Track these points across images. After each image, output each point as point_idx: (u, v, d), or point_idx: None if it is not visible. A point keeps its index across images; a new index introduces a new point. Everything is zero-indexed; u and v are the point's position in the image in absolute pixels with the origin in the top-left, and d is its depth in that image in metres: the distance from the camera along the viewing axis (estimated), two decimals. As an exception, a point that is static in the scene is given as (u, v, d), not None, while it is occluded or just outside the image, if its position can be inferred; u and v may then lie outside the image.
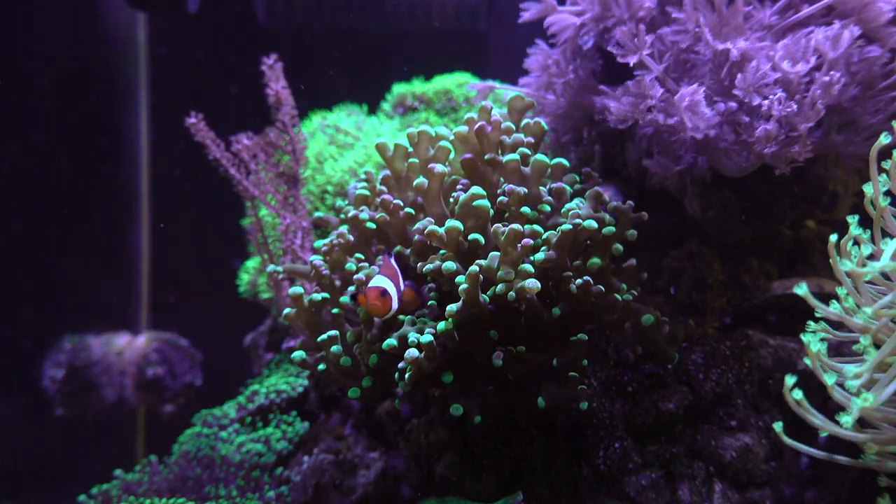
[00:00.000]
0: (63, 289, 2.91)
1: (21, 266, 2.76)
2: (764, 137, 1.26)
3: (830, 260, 1.08)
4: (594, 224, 1.21)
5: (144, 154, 3.31)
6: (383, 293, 1.22)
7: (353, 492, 1.61)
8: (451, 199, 1.39)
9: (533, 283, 1.12)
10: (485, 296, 1.21)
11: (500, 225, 1.18)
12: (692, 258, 1.69)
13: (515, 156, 1.32)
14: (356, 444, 1.68)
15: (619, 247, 1.27)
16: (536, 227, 1.21)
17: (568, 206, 1.29)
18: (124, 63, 3.21)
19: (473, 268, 1.15)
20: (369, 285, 1.23)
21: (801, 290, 1.05)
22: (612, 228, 1.25)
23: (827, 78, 1.20)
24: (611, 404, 1.43)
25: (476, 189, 1.24)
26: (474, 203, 1.23)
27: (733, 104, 1.31)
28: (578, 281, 1.20)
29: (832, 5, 1.29)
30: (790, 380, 1.04)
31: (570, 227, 1.18)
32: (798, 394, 1.04)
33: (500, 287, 1.16)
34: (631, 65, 1.38)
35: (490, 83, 1.75)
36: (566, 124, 1.76)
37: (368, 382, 1.29)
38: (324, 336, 1.32)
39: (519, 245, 1.15)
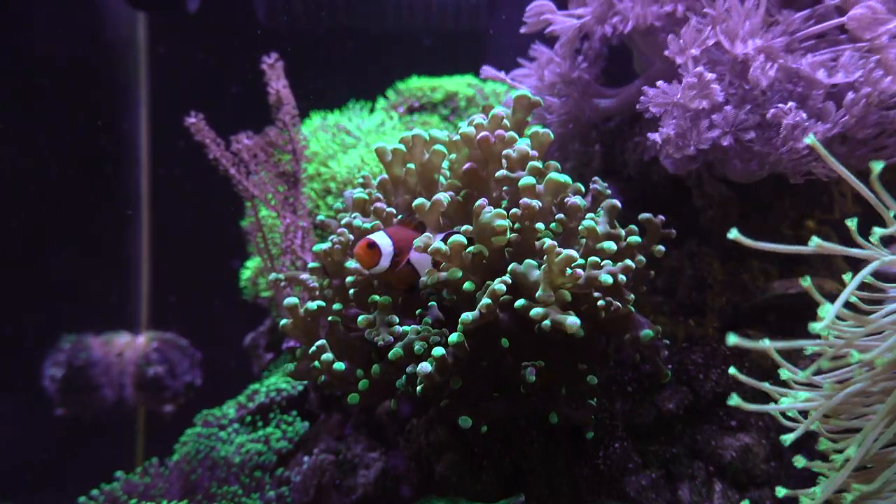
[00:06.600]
0: (63, 289, 2.91)
1: (21, 266, 2.76)
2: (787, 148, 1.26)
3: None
4: (634, 264, 1.21)
5: (144, 154, 3.31)
6: (371, 245, 1.18)
7: (353, 492, 1.61)
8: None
9: (574, 322, 1.08)
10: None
11: (554, 242, 1.12)
12: (692, 258, 1.68)
13: (531, 179, 1.24)
14: (356, 444, 1.68)
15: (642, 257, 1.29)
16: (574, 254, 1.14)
17: (585, 224, 1.23)
18: (124, 63, 3.21)
19: (500, 286, 1.12)
20: (367, 236, 1.20)
21: (806, 281, 1.05)
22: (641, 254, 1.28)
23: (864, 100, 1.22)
24: (611, 404, 1.43)
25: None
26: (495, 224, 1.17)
27: (747, 113, 1.30)
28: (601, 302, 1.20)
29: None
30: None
31: (634, 265, 1.19)
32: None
33: (535, 311, 1.10)
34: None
35: (500, 74, 1.75)
36: (567, 123, 1.76)
37: (365, 385, 1.29)
38: (313, 347, 1.29)
39: (568, 271, 1.11)
